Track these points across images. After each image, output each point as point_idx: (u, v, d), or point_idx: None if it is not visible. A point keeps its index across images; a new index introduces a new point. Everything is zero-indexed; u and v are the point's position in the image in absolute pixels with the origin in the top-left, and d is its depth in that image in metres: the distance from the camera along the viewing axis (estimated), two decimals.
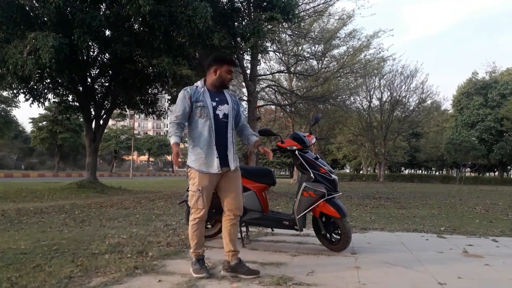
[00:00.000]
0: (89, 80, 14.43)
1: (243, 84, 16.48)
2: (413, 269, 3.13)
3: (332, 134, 31.56)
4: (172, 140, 2.79)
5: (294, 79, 23.76)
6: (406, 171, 58.72)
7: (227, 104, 2.97)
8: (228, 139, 2.93)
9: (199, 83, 2.99)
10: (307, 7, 15.55)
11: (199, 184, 2.87)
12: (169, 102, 15.38)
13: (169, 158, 75.08)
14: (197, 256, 2.95)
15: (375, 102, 33.27)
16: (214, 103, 2.91)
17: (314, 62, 20.87)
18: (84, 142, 30.54)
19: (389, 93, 32.23)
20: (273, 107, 23.98)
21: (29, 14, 10.76)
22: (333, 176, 3.65)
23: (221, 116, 2.90)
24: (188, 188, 4.09)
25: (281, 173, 73.18)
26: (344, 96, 22.17)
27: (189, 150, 2.93)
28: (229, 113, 2.95)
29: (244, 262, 2.93)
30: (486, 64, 79.95)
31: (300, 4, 14.08)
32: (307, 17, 16.11)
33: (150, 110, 15.89)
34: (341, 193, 3.82)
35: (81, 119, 26.04)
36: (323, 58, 19.96)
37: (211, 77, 2.94)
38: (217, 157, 2.85)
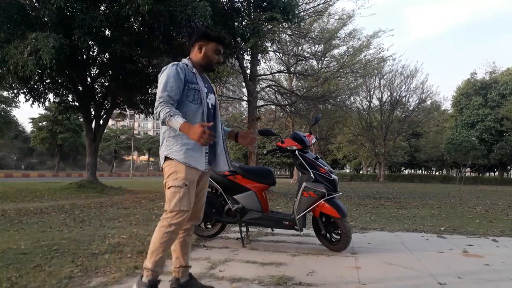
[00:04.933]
0: (89, 80, 14.45)
1: (243, 84, 16.48)
2: (413, 269, 3.13)
3: (332, 134, 31.61)
4: (179, 120, 2.15)
5: (294, 79, 23.77)
6: (406, 171, 58.74)
7: (214, 94, 2.56)
8: (219, 133, 2.51)
9: (187, 61, 2.50)
10: (307, 7, 15.56)
11: (186, 178, 2.27)
12: None
13: None
14: (153, 278, 2.28)
15: (375, 102, 33.39)
16: (206, 89, 2.47)
17: (314, 62, 20.90)
18: (84, 142, 30.57)
19: (389, 93, 32.34)
20: (273, 107, 23.96)
21: (29, 14, 10.77)
22: (333, 176, 3.66)
23: (209, 106, 2.46)
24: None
25: (281, 173, 73.16)
26: (344, 96, 22.21)
27: (168, 138, 2.35)
28: (216, 105, 2.55)
29: (196, 278, 2.54)
30: (486, 64, 79.86)
31: (300, 4, 14.07)
32: (307, 17, 16.11)
33: (150, 110, 15.87)
34: (341, 193, 3.83)
35: (81, 119, 26.03)
36: (323, 58, 19.98)
37: (196, 56, 2.50)
38: (206, 152, 2.42)
